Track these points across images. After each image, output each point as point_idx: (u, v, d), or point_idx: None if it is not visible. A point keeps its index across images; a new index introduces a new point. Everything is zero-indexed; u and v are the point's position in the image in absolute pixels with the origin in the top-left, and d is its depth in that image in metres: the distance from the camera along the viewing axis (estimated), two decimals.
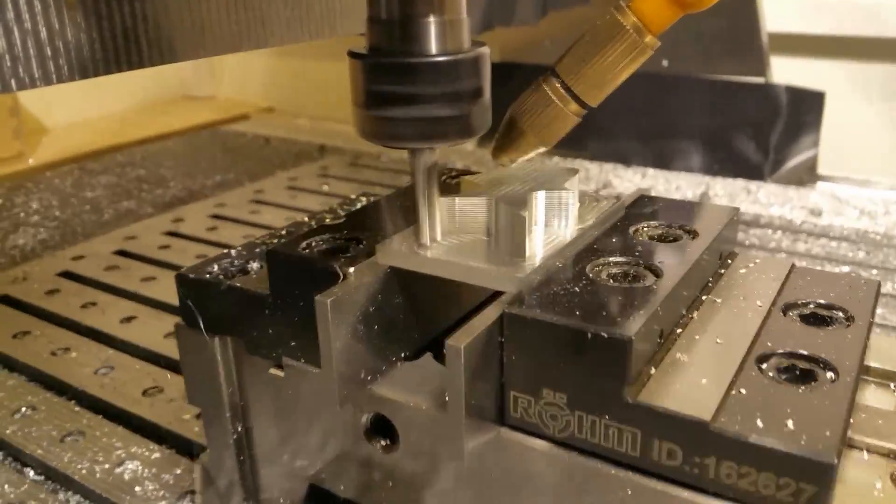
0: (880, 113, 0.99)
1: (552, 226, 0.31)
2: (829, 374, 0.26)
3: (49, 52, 0.28)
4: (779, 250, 0.72)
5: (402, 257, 0.30)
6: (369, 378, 0.30)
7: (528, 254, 0.29)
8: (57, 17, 0.28)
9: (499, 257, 0.29)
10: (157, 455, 0.46)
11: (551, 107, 0.30)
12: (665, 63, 0.98)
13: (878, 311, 0.59)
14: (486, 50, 0.28)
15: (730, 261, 0.34)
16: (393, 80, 0.27)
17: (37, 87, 0.28)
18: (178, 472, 0.44)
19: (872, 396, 0.31)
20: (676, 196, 0.88)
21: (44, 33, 0.28)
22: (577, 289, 0.27)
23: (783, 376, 0.26)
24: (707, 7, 0.28)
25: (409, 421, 0.30)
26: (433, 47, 0.26)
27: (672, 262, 0.29)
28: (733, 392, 0.25)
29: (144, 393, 0.52)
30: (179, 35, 0.33)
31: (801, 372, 0.26)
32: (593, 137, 1.03)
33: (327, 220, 0.34)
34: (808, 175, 0.95)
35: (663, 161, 0.99)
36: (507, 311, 0.26)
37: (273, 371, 0.33)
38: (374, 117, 0.27)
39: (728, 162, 0.97)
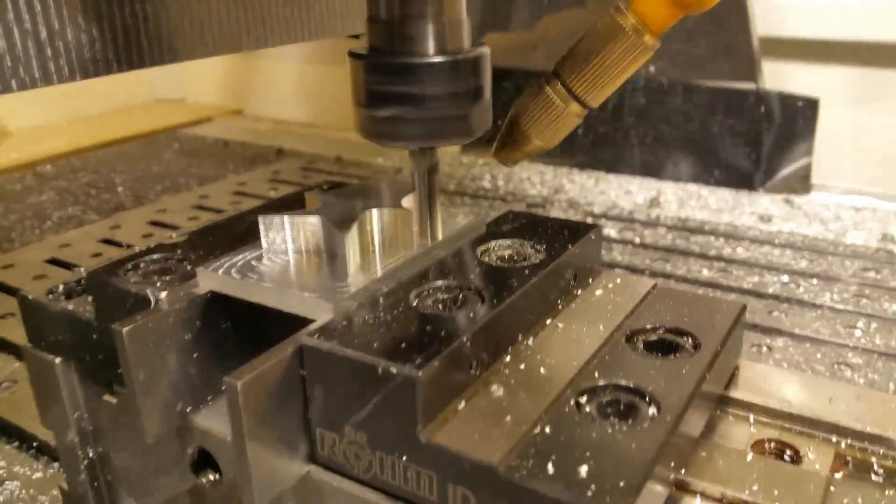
0: (836, 116, 0.96)
1: (388, 246, 0.30)
2: (652, 410, 0.24)
3: (49, 52, 0.28)
4: (718, 258, 0.70)
5: (219, 281, 0.28)
6: (189, 409, 0.28)
7: (350, 278, 0.27)
8: (57, 17, 0.28)
9: (322, 281, 0.27)
10: (38, 475, 0.45)
11: (552, 107, 0.30)
12: (652, 69, 0.95)
13: (814, 324, 0.58)
14: (486, 50, 0.28)
15: (590, 280, 0.32)
16: (393, 80, 0.27)
17: (37, 86, 0.28)
18: (56, 493, 0.43)
19: (728, 431, 0.29)
20: (625, 202, 0.86)
21: (44, 33, 0.28)
22: (389, 317, 0.25)
23: (606, 411, 0.24)
24: (707, 7, 0.27)
25: (225, 455, 0.28)
26: (433, 47, 0.27)
27: (506, 286, 0.27)
28: (536, 431, 0.23)
29: None
30: (179, 35, 0.33)
31: (624, 407, 0.25)
32: (582, 145, 1.00)
33: (172, 238, 0.33)
34: (801, 184, 0.93)
35: (650, 169, 0.96)
36: (304, 343, 0.24)
37: (106, 398, 0.32)
38: (374, 117, 0.27)
39: (718, 171, 0.94)
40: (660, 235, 0.76)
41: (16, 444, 0.49)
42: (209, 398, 0.29)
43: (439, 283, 0.28)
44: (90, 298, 0.33)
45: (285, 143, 1.15)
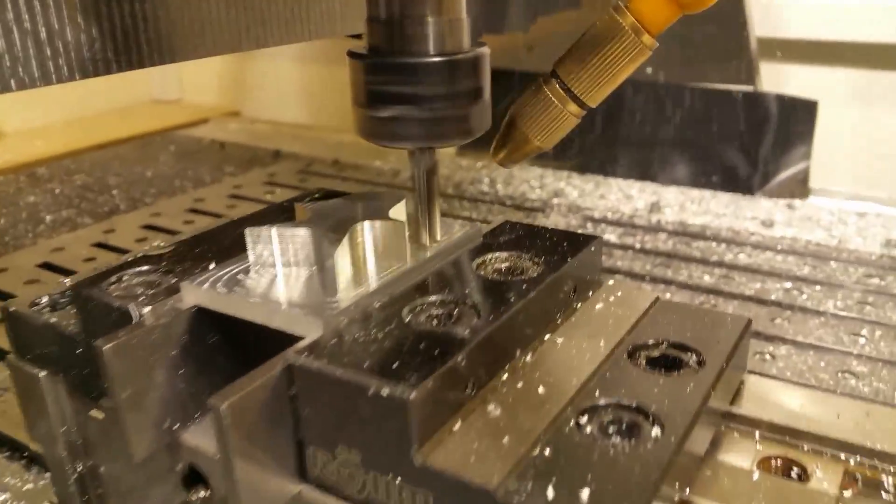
0: (844, 120, 0.95)
1: (381, 259, 0.29)
2: (656, 430, 0.23)
3: (49, 52, 0.28)
4: (720, 264, 0.69)
5: (205, 296, 0.27)
6: (177, 426, 0.28)
7: (340, 292, 0.26)
8: (57, 17, 0.28)
9: (311, 296, 0.26)
10: (29, 486, 0.44)
11: (551, 108, 0.29)
12: (649, 70, 0.94)
13: (816, 331, 0.57)
14: (485, 50, 0.28)
15: (591, 292, 0.31)
16: (392, 80, 0.26)
17: (36, 86, 0.28)
18: None
19: (734, 448, 0.28)
20: (625, 206, 0.85)
21: (44, 33, 0.27)
22: (381, 334, 0.24)
23: (608, 430, 0.24)
24: (706, 7, 0.27)
25: (215, 473, 0.27)
26: (433, 47, 0.26)
27: (502, 301, 0.27)
28: (535, 452, 0.22)
29: None
30: (179, 35, 0.33)
31: (627, 426, 0.24)
32: (576, 147, 0.99)
33: (156, 248, 0.32)
34: (799, 188, 0.92)
35: (646, 172, 0.95)
36: (292, 362, 0.23)
37: (93, 413, 0.31)
38: (373, 117, 0.27)
39: (715, 174, 0.93)
40: (660, 241, 0.75)
41: (7, 453, 0.48)
42: (197, 414, 0.28)
43: (434, 297, 0.27)
44: (75, 311, 0.32)
45: (282, 145, 1.14)
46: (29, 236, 0.83)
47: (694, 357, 0.27)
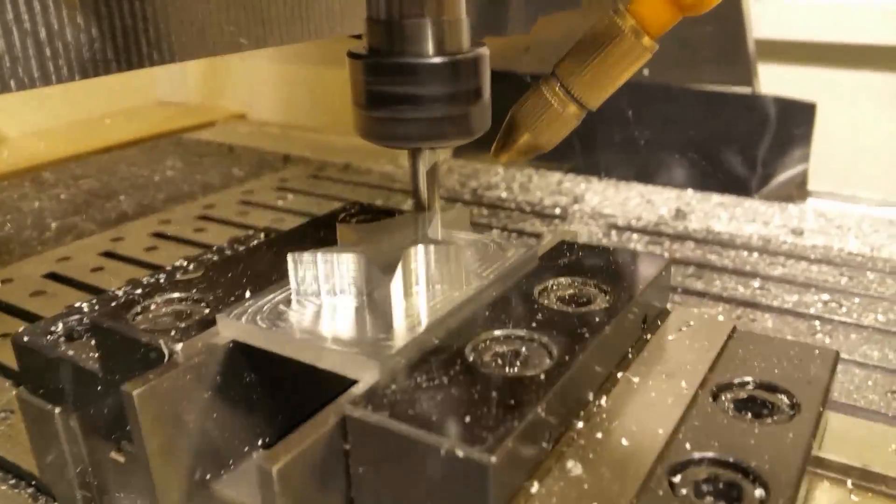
0: (870, 124, 0.93)
1: (435, 288, 0.26)
2: (759, 493, 0.20)
3: (49, 53, 0.27)
4: (754, 275, 0.66)
5: (246, 331, 0.24)
6: (208, 476, 0.25)
7: (396, 329, 0.23)
8: (57, 17, 0.27)
9: (362, 332, 0.24)
10: None
11: (550, 109, 0.29)
12: (646, 72, 0.93)
13: (861, 347, 0.54)
14: (485, 50, 0.28)
15: (660, 322, 0.29)
16: (392, 81, 0.26)
17: (36, 86, 0.28)
18: None
19: (824, 499, 0.25)
20: (649, 212, 0.82)
21: (44, 33, 0.27)
22: (445, 379, 0.22)
23: (701, 493, 0.21)
24: (706, 10, 0.27)
25: None
26: (433, 48, 0.26)
27: (575, 338, 0.24)
28: None
29: None
30: (179, 35, 0.33)
31: (725, 486, 0.21)
32: (574, 149, 0.97)
33: (181, 273, 0.29)
34: (797, 191, 0.90)
35: (645, 175, 0.93)
36: (349, 415, 0.20)
37: (114, 455, 0.28)
38: (373, 118, 0.27)
39: (713, 176, 0.91)
40: (689, 249, 0.72)
41: (12, 481, 0.45)
42: (231, 462, 0.25)
43: (498, 332, 0.24)
44: (94, 342, 0.29)
45: (292, 149, 1.11)
46: (34, 244, 0.80)
47: (785, 399, 0.25)
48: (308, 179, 0.97)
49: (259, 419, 0.26)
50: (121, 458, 0.28)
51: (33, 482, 0.44)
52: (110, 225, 0.84)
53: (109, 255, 0.75)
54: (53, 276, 0.70)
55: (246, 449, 0.26)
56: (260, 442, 0.26)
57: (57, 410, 0.29)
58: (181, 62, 0.33)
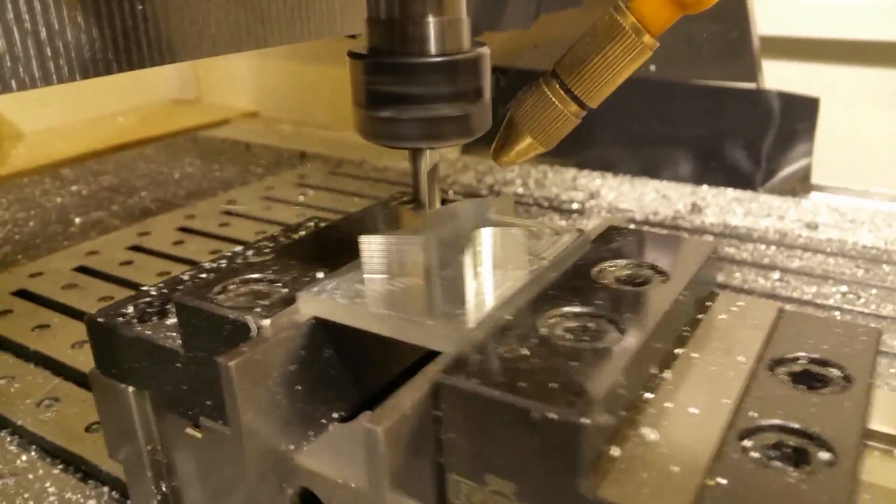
0: (879, 120, 0.94)
1: (501, 269, 0.27)
2: (825, 455, 0.22)
3: (49, 52, 0.28)
4: (772, 267, 0.68)
5: (327, 307, 0.25)
6: (292, 447, 0.26)
7: (469, 305, 0.25)
8: (57, 17, 0.28)
9: (437, 309, 0.25)
10: (92, 502, 0.42)
11: (551, 108, 0.29)
12: (652, 68, 0.94)
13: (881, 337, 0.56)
14: (485, 50, 0.28)
15: (709, 304, 0.30)
16: (393, 80, 0.26)
17: (37, 87, 0.28)
18: None
19: (876, 468, 0.26)
20: (665, 207, 0.84)
21: (44, 33, 0.27)
22: (526, 350, 0.23)
23: (771, 457, 0.22)
24: (707, 7, 0.27)
25: (337, 498, 0.26)
26: (433, 47, 0.26)
27: (639, 313, 0.25)
28: (711, 483, 0.21)
29: (87, 429, 0.48)
30: (179, 35, 0.33)
31: (794, 451, 0.22)
32: (580, 145, 0.98)
33: (252, 257, 0.30)
34: (801, 185, 0.91)
35: (651, 170, 0.94)
36: (442, 382, 0.22)
37: (190, 431, 0.29)
38: (374, 118, 0.27)
39: (718, 171, 0.93)
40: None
41: (60, 466, 0.46)
42: (311, 433, 0.27)
43: (566, 309, 0.26)
44: (168, 322, 0.30)
45: (307, 146, 1.12)
46: (59, 239, 0.81)
47: (837, 372, 0.26)
48: (327, 176, 0.98)
49: (333, 393, 0.27)
50: (197, 434, 0.29)
51: (83, 466, 0.45)
52: (134, 220, 0.85)
53: (137, 248, 0.76)
54: (83, 270, 0.72)
55: (323, 421, 0.27)
56: (336, 415, 0.28)
57: (131, 390, 0.31)
58: (184, 62, 0.34)
